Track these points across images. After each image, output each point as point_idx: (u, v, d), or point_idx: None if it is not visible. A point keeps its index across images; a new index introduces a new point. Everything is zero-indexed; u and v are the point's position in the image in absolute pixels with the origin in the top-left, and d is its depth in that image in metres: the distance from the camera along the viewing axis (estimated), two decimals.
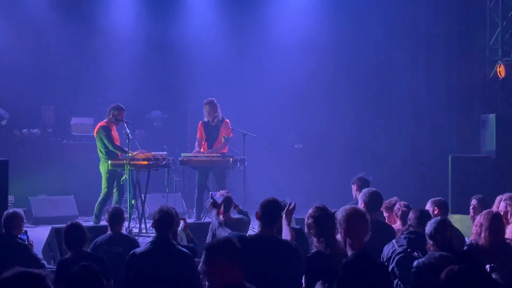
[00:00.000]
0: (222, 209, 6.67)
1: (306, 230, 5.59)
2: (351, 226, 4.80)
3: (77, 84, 13.75)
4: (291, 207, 5.80)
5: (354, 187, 8.40)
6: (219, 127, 11.09)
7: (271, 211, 5.36)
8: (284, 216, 5.66)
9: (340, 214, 4.91)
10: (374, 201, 6.84)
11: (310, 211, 5.49)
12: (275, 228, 5.43)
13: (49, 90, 13.61)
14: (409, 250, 5.88)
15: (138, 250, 5.78)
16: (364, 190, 7.03)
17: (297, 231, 6.21)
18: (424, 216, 6.22)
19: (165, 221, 5.81)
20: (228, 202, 7.36)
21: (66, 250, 6.10)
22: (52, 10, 13.60)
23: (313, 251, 5.34)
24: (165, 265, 5.55)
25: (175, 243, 5.85)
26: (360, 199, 6.95)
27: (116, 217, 6.87)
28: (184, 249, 5.82)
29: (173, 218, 5.89)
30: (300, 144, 14.70)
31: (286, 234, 5.61)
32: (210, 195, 7.52)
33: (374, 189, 7.06)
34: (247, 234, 6.36)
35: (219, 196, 7.33)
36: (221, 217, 7.10)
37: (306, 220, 5.50)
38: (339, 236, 5.01)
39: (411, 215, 6.38)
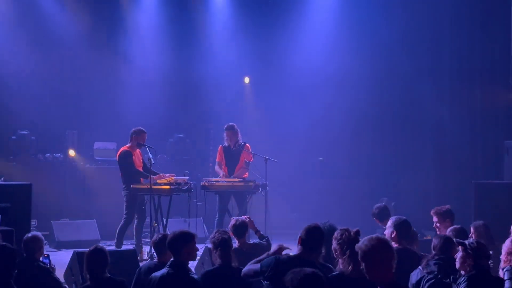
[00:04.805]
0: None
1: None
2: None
3: (100, 109, 13.84)
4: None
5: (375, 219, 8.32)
6: (240, 152, 11.08)
7: (314, 237, 5.39)
8: None
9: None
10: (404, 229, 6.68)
11: (335, 233, 5.46)
12: (315, 254, 5.41)
13: (73, 115, 13.73)
14: (439, 276, 5.81)
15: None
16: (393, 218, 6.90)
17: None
18: (449, 243, 6.14)
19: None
20: (242, 227, 7.05)
21: (86, 274, 5.88)
22: (77, 36, 13.75)
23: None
24: None
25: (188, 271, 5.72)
26: (390, 227, 6.80)
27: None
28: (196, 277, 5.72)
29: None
30: (322, 158, 14.69)
31: None
32: (231, 220, 7.40)
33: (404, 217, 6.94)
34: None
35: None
36: (236, 242, 7.01)
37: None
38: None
39: (435, 242, 6.29)
